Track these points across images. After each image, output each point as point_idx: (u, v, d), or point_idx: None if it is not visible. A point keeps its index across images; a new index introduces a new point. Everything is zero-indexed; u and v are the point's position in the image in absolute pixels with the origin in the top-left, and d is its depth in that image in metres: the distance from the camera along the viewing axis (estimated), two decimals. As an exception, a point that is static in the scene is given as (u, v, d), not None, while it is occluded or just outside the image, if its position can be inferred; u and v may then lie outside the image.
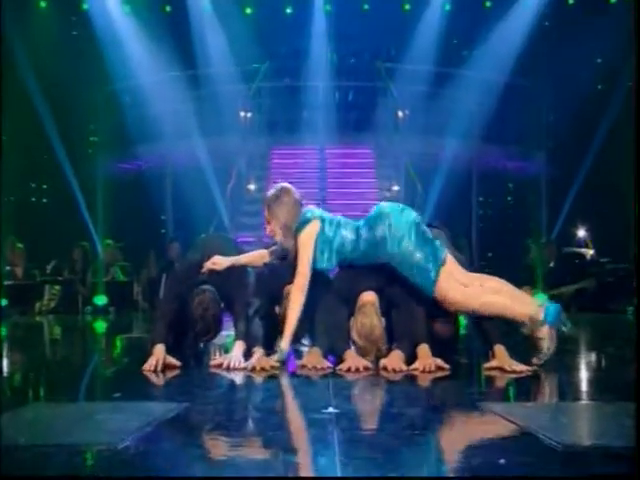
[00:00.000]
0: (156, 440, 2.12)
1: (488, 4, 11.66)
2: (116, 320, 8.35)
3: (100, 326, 7.59)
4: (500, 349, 3.47)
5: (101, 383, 3.66)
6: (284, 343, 3.59)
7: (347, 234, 3.59)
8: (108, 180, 10.44)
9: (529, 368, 3.36)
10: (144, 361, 3.65)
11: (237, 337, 3.89)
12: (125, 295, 9.44)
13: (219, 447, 2.10)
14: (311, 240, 3.62)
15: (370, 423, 2.47)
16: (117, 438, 2.02)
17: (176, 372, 3.60)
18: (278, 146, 12.74)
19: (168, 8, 11.52)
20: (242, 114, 12.74)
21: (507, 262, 9.53)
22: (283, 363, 3.50)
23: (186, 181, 11.10)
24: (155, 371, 3.57)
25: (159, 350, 3.77)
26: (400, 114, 12.42)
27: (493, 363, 3.42)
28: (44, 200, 11.74)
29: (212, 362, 3.79)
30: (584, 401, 2.68)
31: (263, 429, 2.32)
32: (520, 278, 8.90)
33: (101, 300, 9.20)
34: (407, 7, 11.92)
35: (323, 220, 3.65)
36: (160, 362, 3.67)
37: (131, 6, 11.42)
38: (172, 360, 3.74)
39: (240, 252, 4.49)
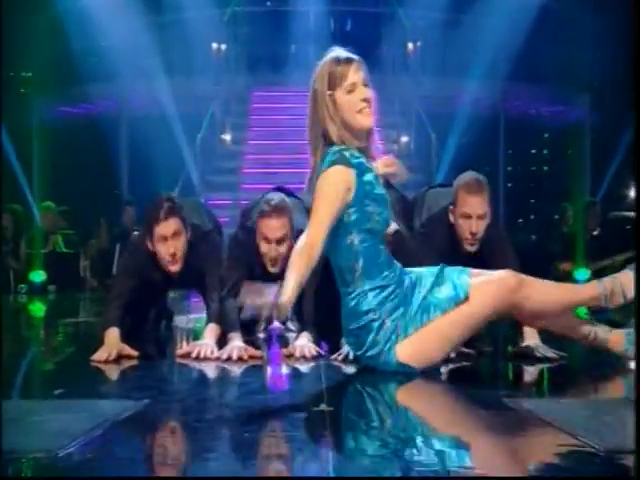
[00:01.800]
0: (106, 445, 2.12)
1: None
2: (58, 301, 8.35)
3: (38, 308, 7.59)
4: (530, 331, 3.50)
5: (39, 377, 3.67)
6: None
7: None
8: (47, 128, 10.37)
9: (563, 355, 3.40)
10: (94, 350, 3.65)
11: (209, 320, 3.90)
12: (69, 270, 9.43)
13: (184, 453, 2.10)
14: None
15: (371, 423, 2.48)
16: (58, 443, 2.02)
17: (133, 363, 3.60)
18: (259, 87, 12.68)
19: None
20: (214, 47, 12.65)
21: (541, 231, 9.58)
22: (268, 342, 3.46)
23: (146, 130, 11.05)
24: (107, 362, 3.57)
25: (112, 337, 3.80)
26: (410, 48, 12.35)
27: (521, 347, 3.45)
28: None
29: (178, 351, 3.80)
30: (628, 397, 2.69)
31: (239, 432, 2.33)
32: (557, 250, 8.97)
33: (38, 276, 9.19)
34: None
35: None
36: (114, 352, 3.68)
37: None
38: (128, 349, 3.76)
39: (214, 220, 4.50)
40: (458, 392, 2.91)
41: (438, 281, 3.11)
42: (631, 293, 3.12)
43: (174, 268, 4.09)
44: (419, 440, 2.18)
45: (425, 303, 3.06)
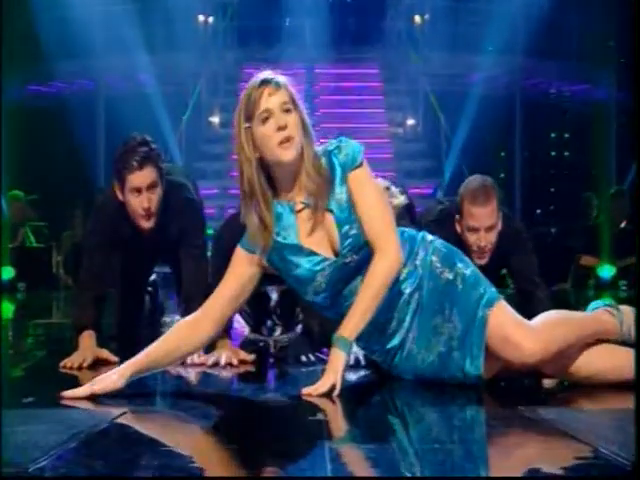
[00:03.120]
0: (82, 459, 2.12)
1: None
2: (27, 300, 8.35)
3: (5, 308, 7.59)
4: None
5: (7, 385, 3.65)
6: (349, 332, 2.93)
7: None
8: (14, 109, 10.34)
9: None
10: (67, 355, 3.65)
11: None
12: (40, 266, 9.44)
13: (167, 468, 2.10)
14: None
15: (374, 435, 2.48)
16: (29, 456, 2.01)
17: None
18: (251, 64, 12.66)
19: None
20: (201, 19, 12.66)
21: (562, 222, 9.59)
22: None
23: (125, 112, 11.02)
24: (81, 369, 3.58)
25: (87, 339, 3.79)
26: (417, 21, 12.36)
27: None
28: None
29: None
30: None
31: (227, 444, 2.33)
32: (579, 244, 8.98)
33: (6, 273, 9.19)
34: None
35: None
36: (89, 357, 3.68)
37: None
38: (107, 353, 3.76)
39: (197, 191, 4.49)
40: (468, 399, 2.92)
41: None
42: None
43: (146, 224, 3.97)
44: (437, 450, 2.19)
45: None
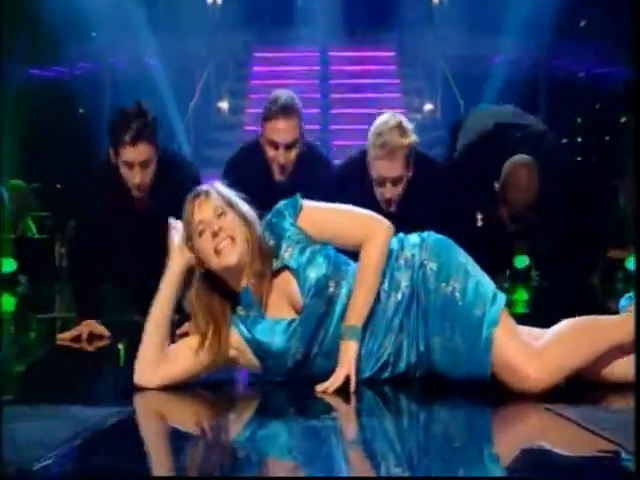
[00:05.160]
0: (87, 457, 2.13)
1: None
2: (30, 293, 8.37)
3: (7, 302, 7.61)
4: None
5: (10, 381, 3.67)
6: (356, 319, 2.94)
7: None
8: (15, 94, 10.37)
9: None
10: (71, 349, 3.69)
11: None
12: (42, 258, 9.45)
13: (173, 466, 2.12)
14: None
15: (387, 432, 2.49)
16: (33, 454, 2.02)
17: (119, 365, 3.62)
18: (261, 47, 12.70)
19: None
20: (209, 0, 12.65)
21: (588, 214, 9.52)
22: None
23: (130, 97, 10.97)
24: (77, 341, 4.04)
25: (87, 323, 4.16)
26: (435, 0, 12.33)
27: None
28: None
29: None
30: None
31: (237, 442, 2.34)
32: (607, 236, 8.95)
33: (8, 265, 9.20)
34: None
35: None
36: (85, 331, 4.07)
37: None
38: (101, 328, 4.16)
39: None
40: (487, 396, 2.90)
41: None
42: None
43: (137, 194, 4.15)
44: (464, 450, 2.20)
45: None
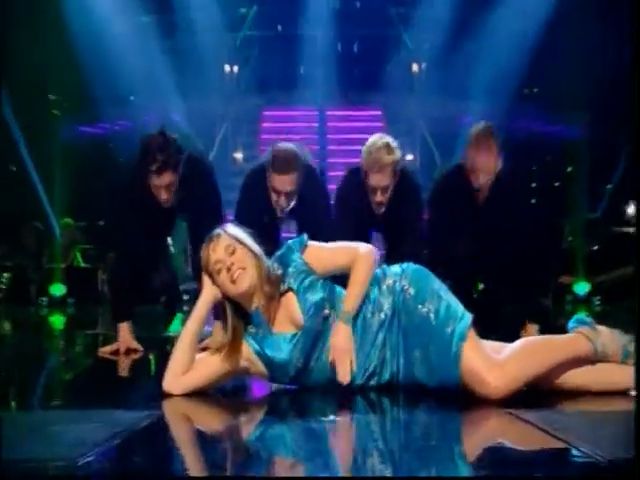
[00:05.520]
0: (124, 454, 2.12)
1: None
2: (77, 313, 8.35)
3: (57, 320, 7.60)
4: (533, 329, 3.40)
5: (59, 388, 3.66)
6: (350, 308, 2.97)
7: None
8: (67, 147, 10.39)
9: None
10: (113, 364, 3.68)
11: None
12: (87, 284, 9.43)
13: (200, 463, 2.11)
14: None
15: (374, 432, 2.48)
16: (77, 452, 2.01)
17: (149, 373, 3.60)
18: (270, 107, 12.71)
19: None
20: (227, 69, 12.70)
21: (541, 246, 9.46)
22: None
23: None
24: (116, 354, 4.07)
25: (124, 331, 4.21)
26: (415, 69, 12.37)
27: None
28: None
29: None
30: (629, 408, 2.68)
31: (248, 441, 2.33)
32: (557, 265, 8.94)
33: (58, 290, 9.20)
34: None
35: None
36: (123, 346, 4.11)
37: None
38: (136, 344, 4.18)
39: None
40: (454, 400, 2.87)
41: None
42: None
43: (166, 203, 4.20)
44: (438, 448, 2.19)
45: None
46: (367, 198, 4.66)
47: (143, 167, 4.04)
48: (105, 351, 4.23)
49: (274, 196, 4.55)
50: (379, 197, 4.59)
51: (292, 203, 4.59)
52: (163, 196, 4.11)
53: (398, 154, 4.58)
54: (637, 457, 1.87)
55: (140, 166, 4.07)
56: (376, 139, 4.61)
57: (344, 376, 2.89)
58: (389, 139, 4.59)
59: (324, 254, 3.06)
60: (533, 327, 4.33)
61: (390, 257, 4.76)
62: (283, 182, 4.48)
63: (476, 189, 4.54)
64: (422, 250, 4.60)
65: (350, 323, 2.92)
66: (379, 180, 4.55)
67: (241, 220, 3.77)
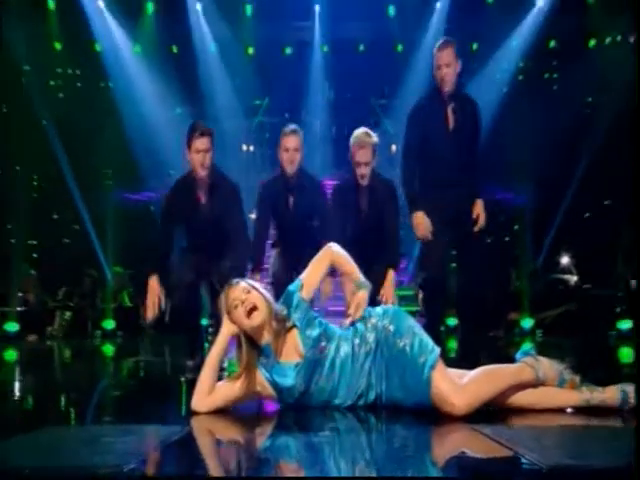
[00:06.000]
0: (160, 462, 2.11)
1: (475, 46, 11.70)
2: (123, 343, 8.32)
3: (108, 349, 7.56)
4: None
5: (109, 406, 3.64)
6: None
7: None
8: (118, 210, 10.46)
9: None
10: (152, 386, 3.64)
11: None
12: (131, 320, 9.42)
13: (220, 467, 2.09)
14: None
15: (362, 443, 2.46)
16: (124, 460, 2.00)
17: (178, 392, 3.57)
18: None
19: (175, 49, 11.63)
20: (244, 148, 12.79)
21: (495, 289, 9.50)
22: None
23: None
24: (156, 309, 4.16)
25: (152, 284, 4.26)
26: (393, 148, 12.46)
27: None
28: (55, 230, 11.72)
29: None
30: (568, 423, 2.66)
31: (260, 450, 2.31)
32: (508, 304, 8.95)
33: (109, 325, 9.19)
34: (400, 48, 12.03)
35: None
36: (155, 301, 4.18)
37: (141, 46, 11.51)
38: (162, 299, 4.22)
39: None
40: (427, 416, 2.85)
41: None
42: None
43: (203, 172, 4.38)
44: (413, 456, 2.17)
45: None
46: (355, 195, 4.72)
47: (190, 137, 4.35)
48: (148, 315, 4.29)
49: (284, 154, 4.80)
50: (362, 170, 4.63)
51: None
52: (203, 160, 4.34)
53: (375, 138, 4.68)
54: (637, 458, 1.81)
55: (188, 140, 4.37)
56: (360, 130, 4.73)
57: (354, 316, 3.00)
58: (368, 130, 4.74)
59: (310, 276, 3.05)
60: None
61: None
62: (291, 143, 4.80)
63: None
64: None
65: (365, 288, 3.06)
66: (362, 155, 4.61)
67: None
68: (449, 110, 4.59)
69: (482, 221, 4.61)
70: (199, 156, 4.34)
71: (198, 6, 11.32)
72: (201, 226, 4.48)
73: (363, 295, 3.03)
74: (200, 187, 4.45)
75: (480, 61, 11.22)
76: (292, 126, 4.85)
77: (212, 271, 4.38)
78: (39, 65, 10.80)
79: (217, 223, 4.44)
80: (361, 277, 3.09)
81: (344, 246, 3.15)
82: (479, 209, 4.62)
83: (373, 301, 3.75)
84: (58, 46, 11.32)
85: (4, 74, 10.41)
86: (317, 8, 11.67)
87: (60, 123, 10.64)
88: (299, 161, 4.78)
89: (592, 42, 11.04)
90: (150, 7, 11.33)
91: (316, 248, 3.20)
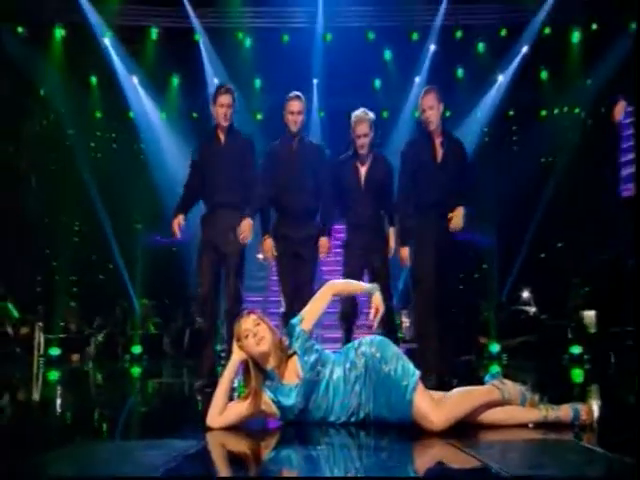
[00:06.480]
0: (180, 472, 2.09)
1: (447, 114, 11.84)
2: (149, 366, 8.25)
3: (136, 371, 7.49)
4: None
5: (136, 423, 3.60)
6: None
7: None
8: (147, 251, 10.49)
9: None
10: (173, 404, 3.59)
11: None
12: (156, 345, 9.37)
13: (231, 475, 2.07)
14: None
15: (352, 455, 2.43)
16: (149, 472, 1.99)
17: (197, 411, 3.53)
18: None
19: (195, 115, 11.78)
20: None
21: (466, 318, 9.48)
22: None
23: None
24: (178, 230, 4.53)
25: (178, 219, 4.64)
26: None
27: None
28: (93, 268, 11.72)
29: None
30: (529, 437, 2.64)
31: (266, 460, 2.29)
32: (478, 330, 8.93)
33: (137, 349, 9.12)
34: (385, 114, 12.12)
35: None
36: (177, 226, 4.59)
37: (166, 114, 11.75)
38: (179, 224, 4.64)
39: None
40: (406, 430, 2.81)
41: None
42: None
43: (225, 123, 4.53)
44: (396, 466, 2.15)
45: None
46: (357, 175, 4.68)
47: (215, 93, 4.52)
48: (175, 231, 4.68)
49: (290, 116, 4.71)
50: (362, 140, 4.61)
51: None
52: (225, 112, 4.49)
53: (372, 115, 4.66)
54: (637, 458, 1.78)
55: (213, 98, 4.54)
56: (358, 109, 4.71)
57: (375, 316, 3.02)
58: (366, 109, 4.68)
59: (311, 312, 3.01)
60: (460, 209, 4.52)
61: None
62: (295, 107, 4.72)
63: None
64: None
65: (375, 291, 3.04)
66: (361, 129, 4.60)
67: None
68: (437, 144, 4.59)
69: (458, 220, 4.50)
70: (222, 109, 4.50)
71: (216, 80, 11.53)
72: (220, 164, 4.61)
73: (377, 298, 3.04)
74: (221, 132, 4.63)
75: (452, 126, 11.31)
76: (296, 92, 4.81)
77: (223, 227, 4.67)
78: (82, 129, 10.99)
79: (233, 163, 4.59)
80: (366, 286, 3.11)
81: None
82: (458, 211, 4.51)
83: None
84: (98, 114, 11.52)
85: (52, 138, 10.58)
86: (315, 81, 11.83)
87: (98, 178, 10.77)
88: (301, 122, 4.74)
89: (543, 112, 11.37)
90: (175, 81, 11.58)
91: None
